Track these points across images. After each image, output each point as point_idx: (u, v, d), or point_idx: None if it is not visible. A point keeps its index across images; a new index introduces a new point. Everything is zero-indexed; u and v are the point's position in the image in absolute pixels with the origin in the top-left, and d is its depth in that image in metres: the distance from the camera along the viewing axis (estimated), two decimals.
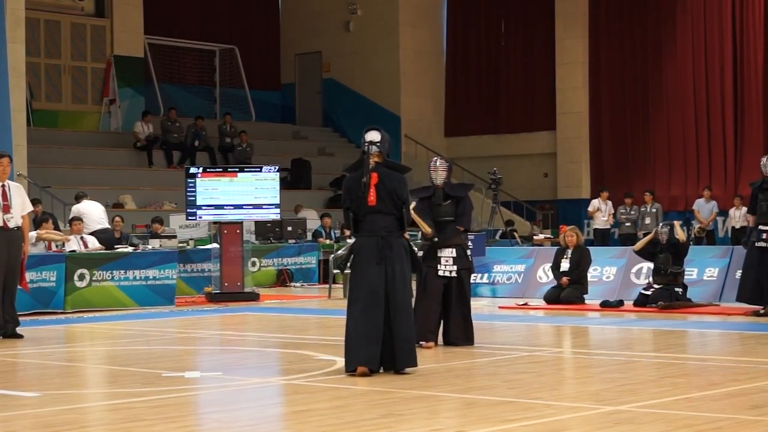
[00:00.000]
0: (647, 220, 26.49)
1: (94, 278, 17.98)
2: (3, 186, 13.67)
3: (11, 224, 13.60)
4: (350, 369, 10.03)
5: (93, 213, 20.62)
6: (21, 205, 13.76)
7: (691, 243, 17.64)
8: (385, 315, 10.09)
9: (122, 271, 18.31)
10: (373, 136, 10.39)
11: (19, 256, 13.70)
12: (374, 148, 10.34)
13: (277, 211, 20.30)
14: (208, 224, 22.86)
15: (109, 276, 18.16)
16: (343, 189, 10.56)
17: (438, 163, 12.50)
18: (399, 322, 10.12)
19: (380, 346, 10.06)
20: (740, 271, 16.68)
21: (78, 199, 21.21)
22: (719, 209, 27.48)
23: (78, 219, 19.42)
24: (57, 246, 18.54)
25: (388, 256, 10.14)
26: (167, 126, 29.95)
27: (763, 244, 15.72)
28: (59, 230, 20.34)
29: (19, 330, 13.78)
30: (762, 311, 15.58)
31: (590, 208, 27.55)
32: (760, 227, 15.80)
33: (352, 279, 10.36)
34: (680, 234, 17.11)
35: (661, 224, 17.73)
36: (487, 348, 11.98)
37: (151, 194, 28.00)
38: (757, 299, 15.81)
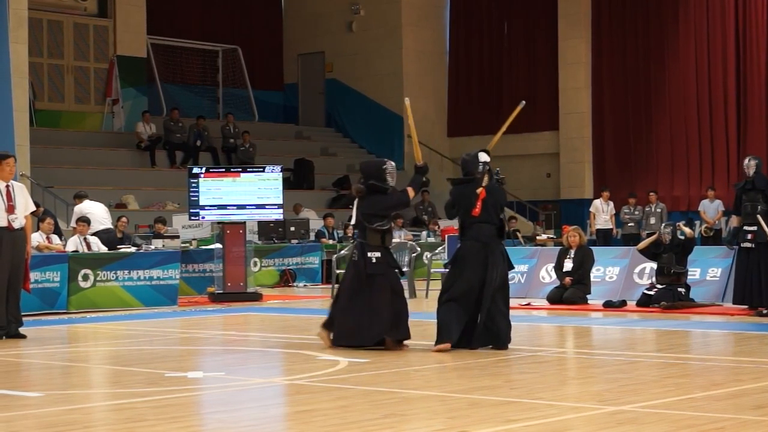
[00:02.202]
0: (652, 220, 26.49)
1: (98, 279, 17.99)
2: (7, 186, 13.67)
3: (16, 225, 13.60)
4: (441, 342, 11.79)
5: (96, 213, 20.56)
6: (24, 206, 13.75)
7: (695, 242, 17.66)
8: (481, 305, 11.76)
9: (126, 272, 18.32)
10: (486, 158, 12.12)
11: (23, 256, 13.69)
12: (487, 167, 12.07)
13: (280, 211, 20.29)
14: (211, 224, 22.86)
15: (113, 276, 18.17)
16: (454, 197, 12.18)
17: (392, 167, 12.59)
18: (496, 311, 11.83)
19: (461, 330, 11.79)
20: None
21: (79, 198, 21.14)
22: (724, 208, 27.47)
23: (84, 220, 19.39)
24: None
25: (491, 261, 11.78)
26: (170, 126, 29.97)
27: (748, 244, 15.84)
28: (60, 230, 20.34)
29: (21, 330, 13.79)
30: (765, 311, 15.62)
31: (591, 209, 27.54)
32: (745, 228, 15.92)
33: (452, 276, 11.98)
34: (686, 230, 17.14)
35: (663, 224, 17.75)
36: (489, 348, 11.98)
37: (153, 194, 28.01)
38: (747, 299, 15.93)
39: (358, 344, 12.11)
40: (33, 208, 14.33)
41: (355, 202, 12.47)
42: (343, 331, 12.18)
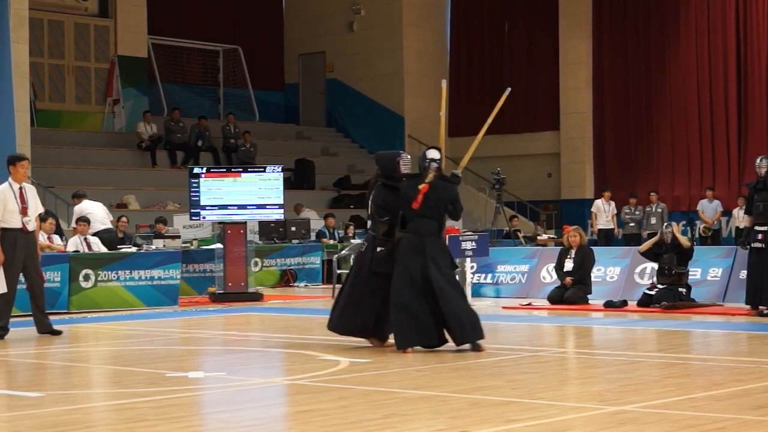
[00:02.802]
0: (653, 220, 26.48)
1: (99, 279, 17.99)
2: (21, 188, 13.77)
3: (30, 227, 13.74)
4: (403, 348, 11.75)
5: (97, 213, 20.56)
6: (35, 207, 13.92)
7: (694, 246, 17.59)
8: (432, 299, 11.66)
9: (127, 272, 18.33)
10: (434, 154, 12.03)
11: (38, 257, 13.92)
12: (434, 165, 12.00)
13: (281, 211, 20.29)
14: (212, 224, 22.86)
15: (114, 276, 18.17)
16: (401, 195, 12.05)
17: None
18: (447, 304, 11.61)
19: (429, 327, 11.74)
20: (744, 271, 16.74)
21: (78, 198, 21.11)
22: (723, 209, 27.47)
23: (84, 220, 19.39)
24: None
25: (426, 251, 11.73)
26: (171, 126, 29.97)
27: (758, 244, 15.78)
28: (61, 230, 20.33)
29: (35, 328, 13.99)
30: (766, 311, 15.59)
31: (593, 209, 27.54)
32: (756, 228, 15.83)
33: (397, 274, 11.86)
34: (682, 240, 17.05)
35: (665, 225, 17.75)
36: (490, 348, 11.98)
37: (154, 194, 28.01)
38: (757, 300, 15.87)
39: (343, 333, 12.38)
40: (41, 209, 14.50)
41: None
42: (333, 317, 12.42)
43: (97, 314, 17.40)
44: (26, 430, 7.86)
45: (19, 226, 13.61)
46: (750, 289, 16.00)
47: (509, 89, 14.48)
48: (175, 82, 33.19)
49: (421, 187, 11.88)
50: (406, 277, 11.75)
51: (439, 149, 12.14)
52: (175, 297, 18.81)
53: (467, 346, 11.81)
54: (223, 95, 34.50)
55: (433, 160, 12.00)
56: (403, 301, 11.75)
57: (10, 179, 13.77)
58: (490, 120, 13.87)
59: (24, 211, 13.65)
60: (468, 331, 11.71)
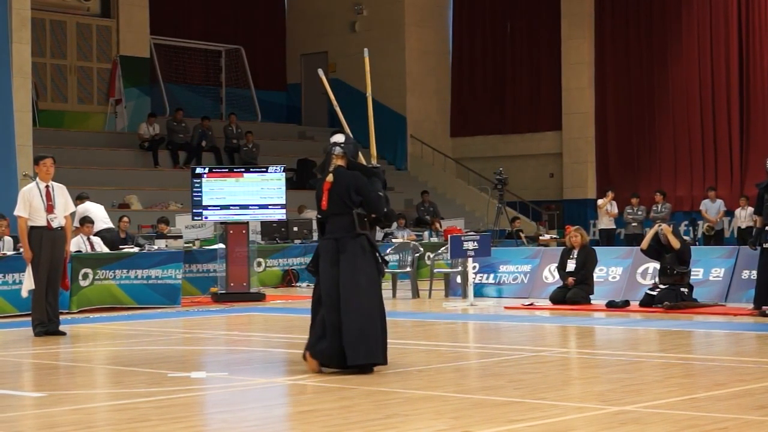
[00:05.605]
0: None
1: (96, 277, 17.97)
2: (47, 186, 14.09)
3: (55, 224, 13.98)
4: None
5: (98, 213, 20.63)
6: (64, 206, 14.15)
7: (690, 247, 17.47)
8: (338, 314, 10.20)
9: (124, 271, 18.29)
10: (338, 138, 10.63)
11: (62, 255, 14.06)
12: (338, 150, 10.53)
13: (283, 211, 20.27)
14: (214, 224, 22.86)
15: (111, 275, 18.14)
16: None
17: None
18: (345, 321, 10.15)
19: (334, 342, 10.16)
20: (746, 271, 16.68)
21: (80, 200, 21.10)
22: (726, 209, 27.48)
23: (89, 220, 19.42)
24: None
25: (341, 258, 10.27)
26: (173, 126, 29.98)
27: None
28: None
29: (41, 329, 13.96)
30: None
31: (600, 202, 27.54)
32: None
33: (318, 280, 10.51)
34: (672, 241, 16.89)
35: (657, 222, 17.73)
36: (492, 348, 11.97)
37: (156, 194, 28.01)
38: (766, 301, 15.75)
39: None
40: (73, 208, 14.87)
41: None
42: None
43: (99, 314, 17.39)
44: (27, 430, 7.86)
45: (44, 223, 13.89)
46: (760, 290, 15.79)
47: (367, 50, 12.65)
48: (177, 82, 33.21)
49: (324, 182, 10.46)
50: (320, 291, 10.38)
51: (343, 132, 10.81)
52: (174, 297, 18.75)
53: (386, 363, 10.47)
54: (225, 95, 34.52)
55: (336, 144, 10.57)
56: (317, 319, 10.38)
57: (37, 178, 14.21)
58: (368, 87, 12.37)
59: (49, 209, 13.92)
60: (360, 352, 10.12)
